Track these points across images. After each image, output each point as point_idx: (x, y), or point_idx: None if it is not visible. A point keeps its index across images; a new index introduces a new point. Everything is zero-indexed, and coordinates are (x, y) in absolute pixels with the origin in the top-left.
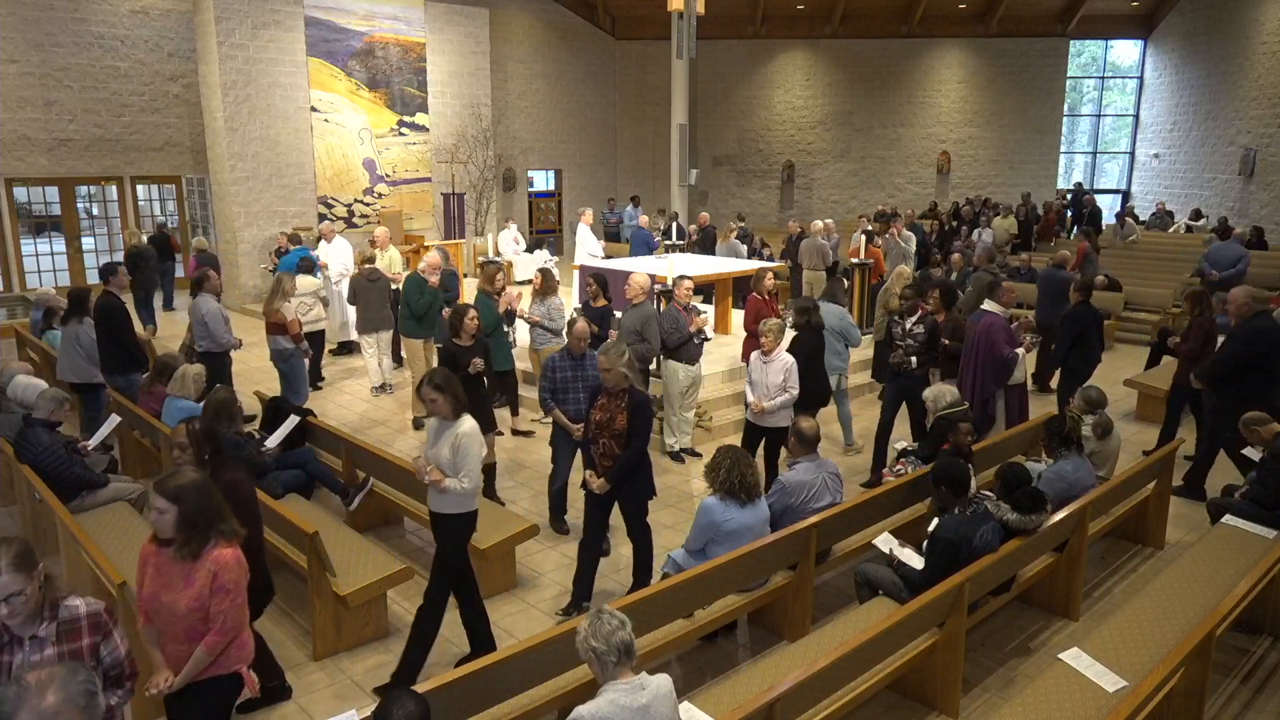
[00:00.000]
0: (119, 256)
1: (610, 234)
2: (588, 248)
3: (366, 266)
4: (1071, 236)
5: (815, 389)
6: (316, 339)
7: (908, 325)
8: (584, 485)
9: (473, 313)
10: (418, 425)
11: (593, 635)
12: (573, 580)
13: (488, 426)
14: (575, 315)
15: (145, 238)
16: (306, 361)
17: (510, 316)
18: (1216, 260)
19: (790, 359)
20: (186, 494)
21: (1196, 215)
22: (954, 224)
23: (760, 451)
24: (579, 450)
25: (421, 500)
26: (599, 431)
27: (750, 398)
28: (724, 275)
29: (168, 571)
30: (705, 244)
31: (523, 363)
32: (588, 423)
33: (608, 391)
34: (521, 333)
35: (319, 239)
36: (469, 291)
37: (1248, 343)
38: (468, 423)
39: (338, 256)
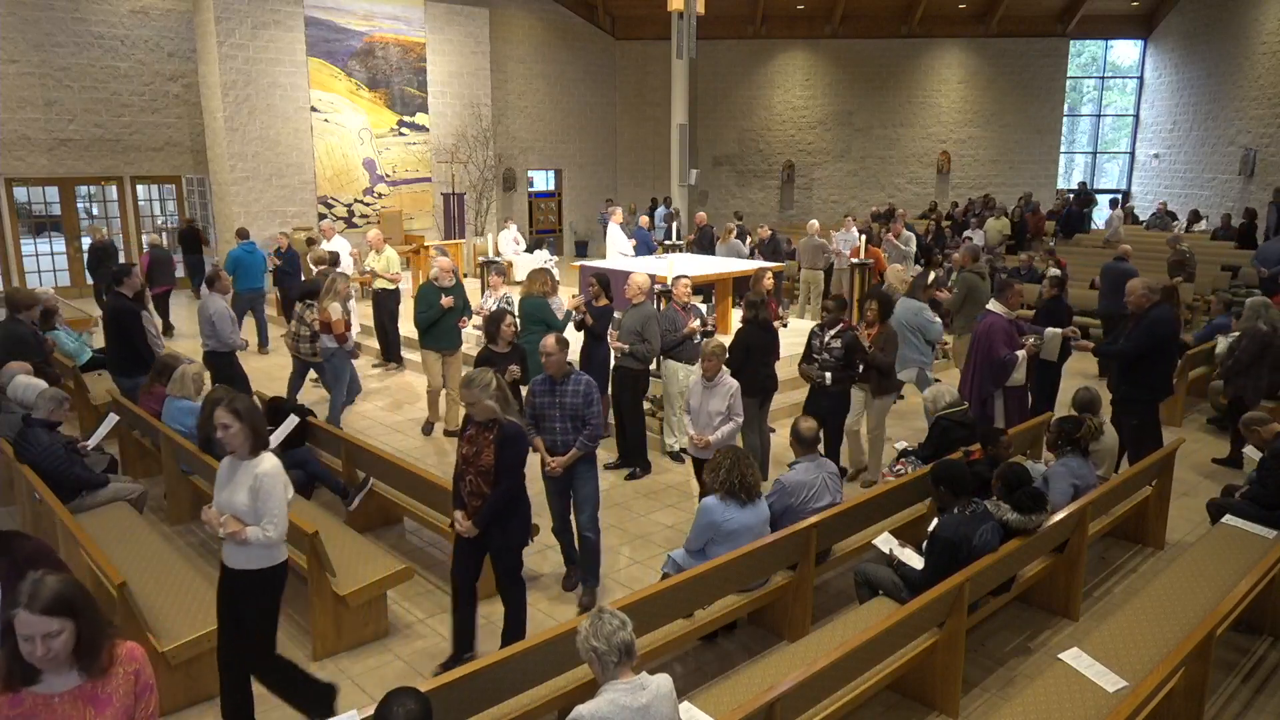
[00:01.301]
0: (121, 257)
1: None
2: (618, 246)
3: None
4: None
5: (755, 381)
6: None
7: (826, 338)
8: (451, 525)
9: (510, 318)
10: (427, 430)
11: (593, 635)
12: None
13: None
14: (580, 314)
15: (164, 237)
16: (353, 363)
17: (571, 319)
18: (1265, 257)
19: (734, 384)
20: (79, 602)
21: (1195, 217)
22: (947, 224)
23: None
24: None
25: (422, 500)
26: (465, 466)
27: (690, 429)
28: (724, 275)
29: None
30: (703, 244)
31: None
32: (458, 457)
33: (475, 421)
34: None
35: (310, 239)
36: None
37: (1150, 332)
38: (268, 461)
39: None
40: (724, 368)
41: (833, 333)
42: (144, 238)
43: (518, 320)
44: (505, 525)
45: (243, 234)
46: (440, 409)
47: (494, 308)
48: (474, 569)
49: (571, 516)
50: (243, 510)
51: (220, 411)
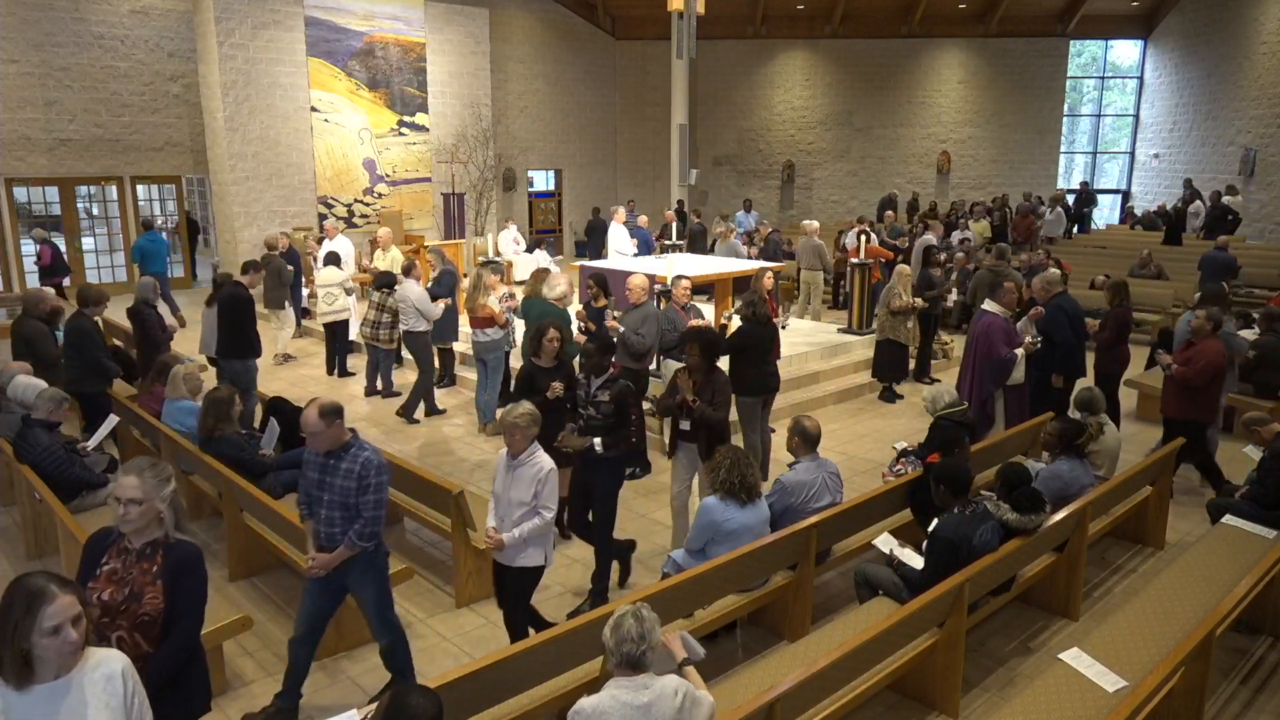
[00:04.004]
0: (119, 257)
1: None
2: (619, 246)
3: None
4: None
5: (756, 380)
6: (341, 328)
7: (592, 390)
8: None
9: (553, 332)
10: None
11: (612, 629)
12: None
13: (565, 461)
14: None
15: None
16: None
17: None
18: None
19: (546, 465)
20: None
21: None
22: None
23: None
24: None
25: (422, 500)
26: (108, 620)
27: (490, 520)
28: (724, 275)
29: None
30: (694, 241)
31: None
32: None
33: (121, 546)
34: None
35: (320, 238)
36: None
37: (1056, 321)
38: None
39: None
40: (536, 445)
41: (599, 382)
42: (33, 233)
43: (564, 331)
44: (177, 694)
45: (147, 224)
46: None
47: (498, 308)
48: None
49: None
50: None
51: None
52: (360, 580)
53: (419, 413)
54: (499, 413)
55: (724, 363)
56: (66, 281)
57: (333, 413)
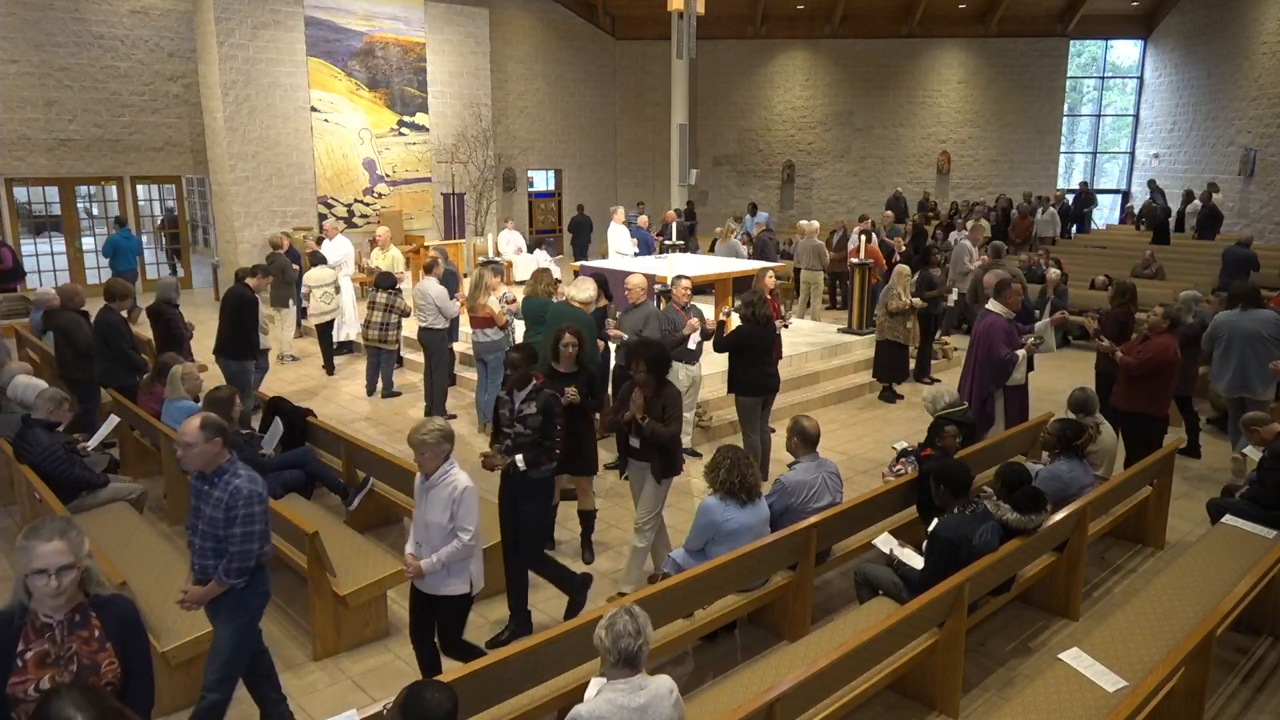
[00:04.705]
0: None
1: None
2: (618, 246)
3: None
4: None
5: (756, 380)
6: (326, 328)
7: (517, 404)
8: None
9: (569, 336)
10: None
11: (607, 627)
12: None
13: (588, 469)
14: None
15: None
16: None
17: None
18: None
19: (464, 485)
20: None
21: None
22: (933, 224)
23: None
24: None
25: None
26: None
27: (409, 545)
28: (724, 275)
29: None
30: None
31: None
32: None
33: (37, 625)
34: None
35: (320, 238)
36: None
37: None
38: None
39: (334, 252)
40: (452, 463)
41: (523, 395)
42: None
43: (582, 335)
44: None
45: (120, 221)
46: None
47: (498, 309)
48: None
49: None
50: None
51: None
52: (225, 620)
53: (419, 410)
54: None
55: (724, 362)
56: (19, 288)
57: (215, 429)
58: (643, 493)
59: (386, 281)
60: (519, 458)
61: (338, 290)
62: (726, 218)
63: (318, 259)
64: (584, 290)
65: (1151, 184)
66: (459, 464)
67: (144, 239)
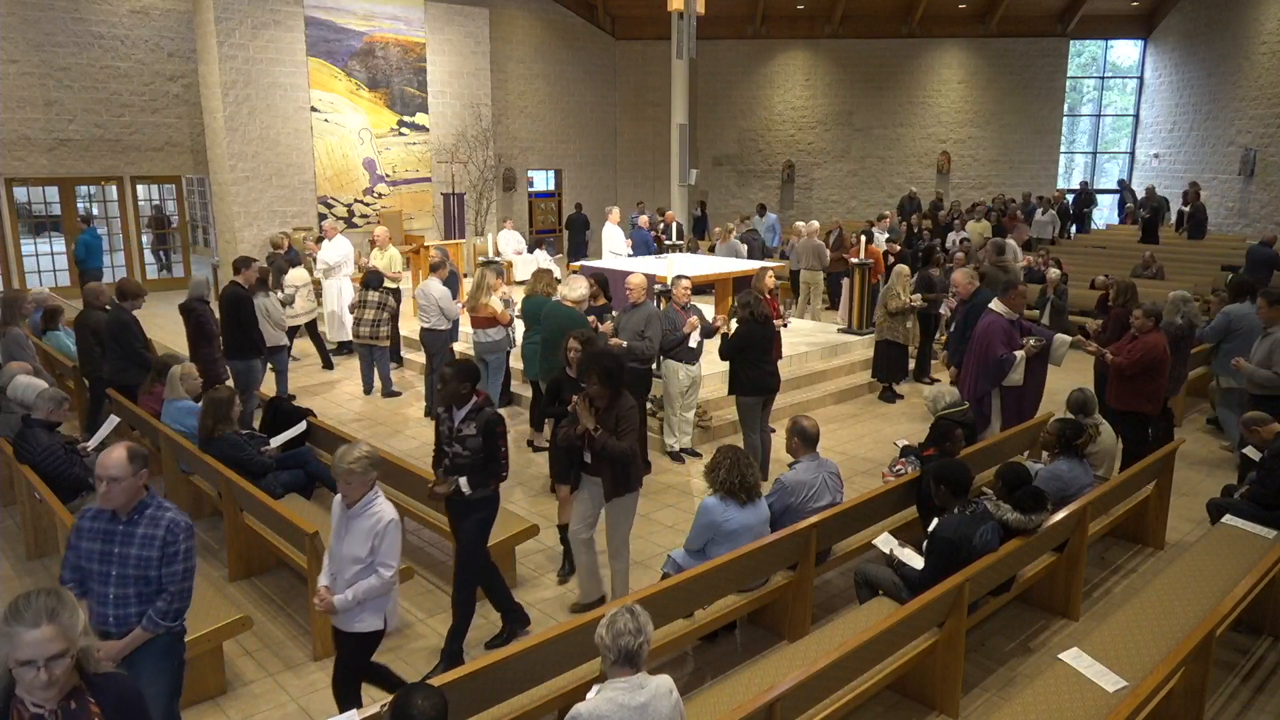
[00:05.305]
0: (120, 257)
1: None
2: (612, 245)
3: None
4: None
5: (756, 380)
6: (312, 326)
7: (456, 423)
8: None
9: (572, 342)
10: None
11: (607, 626)
12: None
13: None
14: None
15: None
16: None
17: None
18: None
19: (387, 516)
20: None
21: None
22: (927, 224)
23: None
24: None
25: (423, 501)
26: None
27: (322, 577)
28: (724, 275)
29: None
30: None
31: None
32: None
33: (30, 716)
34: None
35: (320, 238)
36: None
37: (974, 314)
38: None
39: (333, 253)
40: (377, 492)
41: (463, 414)
42: None
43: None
44: None
45: (87, 220)
46: None
47: (499, 308)
48: None
49: None
50: None
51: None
52: (154, 671)
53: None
54: (335, 454)
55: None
56: None
57: (142, 460)
58: (607, 512)
59: (375, 280)
60: (463, 481)
61: (316, 293)
62: (728, 217)
63: (292, 258)
64: (575, 289)
65: (1122, 183)
66: (383, 494)
67: (144, 239)
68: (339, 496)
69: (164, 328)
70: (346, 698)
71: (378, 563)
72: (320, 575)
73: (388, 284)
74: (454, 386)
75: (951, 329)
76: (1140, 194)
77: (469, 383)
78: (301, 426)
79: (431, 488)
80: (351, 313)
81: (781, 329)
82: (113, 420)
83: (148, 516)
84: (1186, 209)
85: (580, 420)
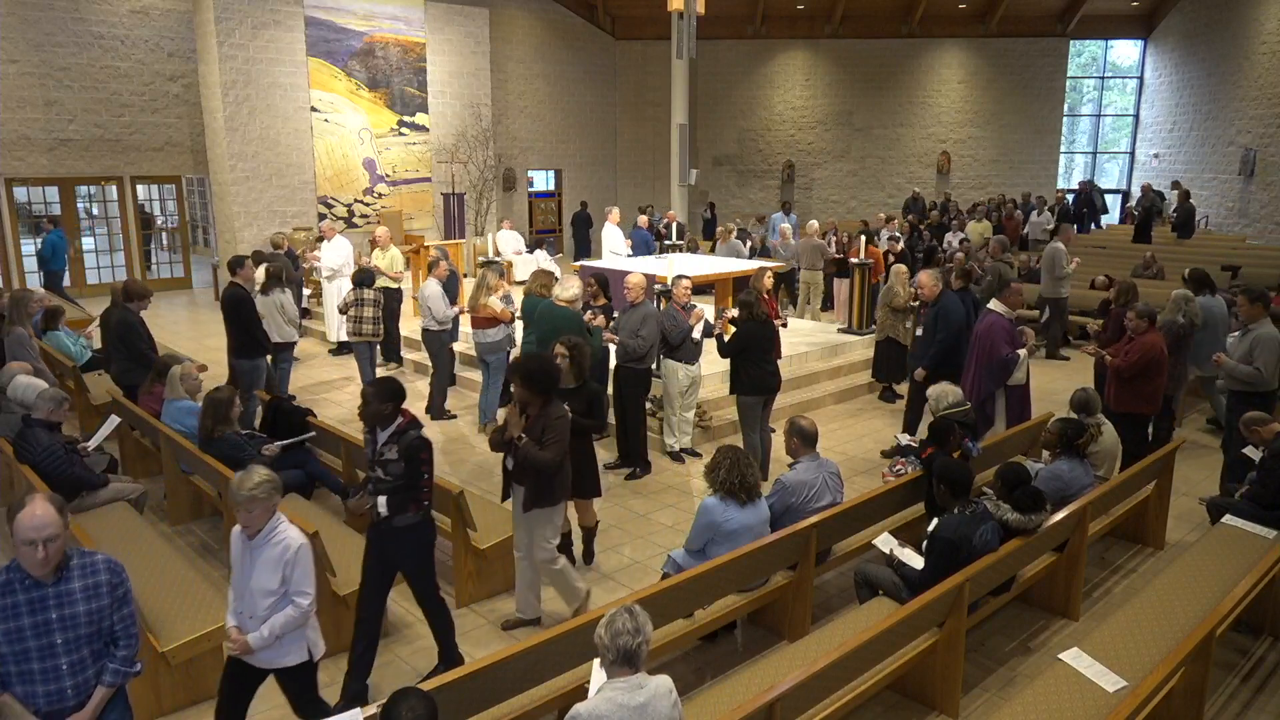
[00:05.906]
0: (120, 257)
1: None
2: (612, 245)
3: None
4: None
5: (756, 379)
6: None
7: (379, 444)
8: None
9: (559, 349)
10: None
11: (606, 625)
12: None
13: (592, 492)
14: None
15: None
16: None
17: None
18: None
19: (295, 541)
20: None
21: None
22: (925, 225)
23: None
24: None
25: None
26: None
27: (229, 618)
28: (724, 275)
29: None
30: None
31: None
32: None
33: None
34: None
35: (319, 238)
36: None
37: (945, 320)
38: None
39: (335, 255)
40: (280, 517)
41: (385, 436)
42: None
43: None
44: None
45: (55, 221)
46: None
47: (500, 308)
48: None
49: None
50: None
51: None
52: None
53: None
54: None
55: (724, 361)
56: None
57: (61, 505)
58: (524, 524)
59: (368, 279)
60: (381, 501)
61: (315, 295)
62: (728, 217)
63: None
64: (568, 289)
65: (1088, 183)
66: (286, 519)
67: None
68: (237, 528)
69: (164, 328)
70: (321, 713)
71: (292, 592)
72: (227, 615)
73: (389, 284)
74: (375, 407)
75: (919, 332)
76: (1137, 194)
77: (392, 402)
78: (311, 434)
79: (350, 506)
80: (342, 313)
81: (780, 328)
82: (113, 420)
83: (76, 568)
84: (1174, 209)
85: (509, 427)
